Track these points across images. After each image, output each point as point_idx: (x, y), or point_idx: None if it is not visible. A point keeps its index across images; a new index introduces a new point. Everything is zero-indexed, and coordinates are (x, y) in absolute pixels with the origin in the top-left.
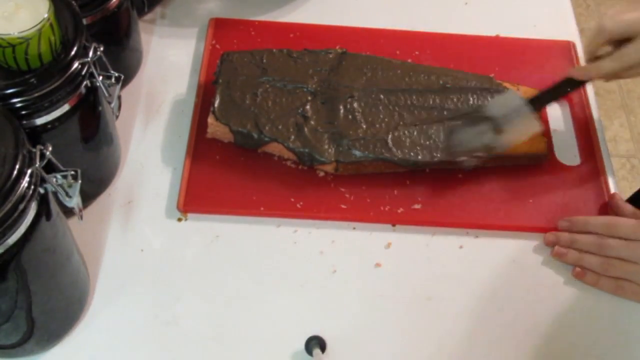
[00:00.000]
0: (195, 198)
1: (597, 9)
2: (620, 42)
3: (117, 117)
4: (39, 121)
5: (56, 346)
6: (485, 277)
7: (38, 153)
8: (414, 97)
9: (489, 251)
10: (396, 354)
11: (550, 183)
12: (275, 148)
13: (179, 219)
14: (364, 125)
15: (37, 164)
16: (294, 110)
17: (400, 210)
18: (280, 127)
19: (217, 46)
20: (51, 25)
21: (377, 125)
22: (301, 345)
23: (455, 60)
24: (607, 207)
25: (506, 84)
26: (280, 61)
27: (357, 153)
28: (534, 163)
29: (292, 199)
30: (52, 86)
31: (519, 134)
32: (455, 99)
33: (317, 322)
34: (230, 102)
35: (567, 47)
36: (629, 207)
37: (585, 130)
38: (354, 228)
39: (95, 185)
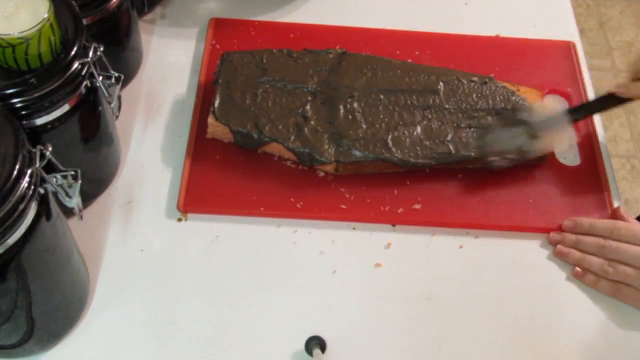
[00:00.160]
0: (195, 198)
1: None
2: None
3: (117, 117)
4: (39, 121)
5: (56, 346)
6: (485, 277)
7: (38, 153)
8: (414, 97)
9: (489, 251)
10: (396, 353)
11: (550, 183)
12: (275, 148)
13: (179, 219)
14: (364, 125)
15: (37, 164)
16: (294, 110)
17: (400, 210)
18: (280, 127)
19: (217, 46)
20: (51, 25)
21: (377, 125)
22: (301, 345)
23: (455, 60)
24: (607, 208)
25: (506, 84)
26: (280, 61)
27: (357, 153)
28: (534, 163)
29: (292, 199)
30: (52, 86)
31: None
32: (455, 99)
33: (317, 322)
34: (230, 102)
35: (567, 47)
36: (634, 219)
37: (585, 130)
38: (354, 228)
39: (95, 185)
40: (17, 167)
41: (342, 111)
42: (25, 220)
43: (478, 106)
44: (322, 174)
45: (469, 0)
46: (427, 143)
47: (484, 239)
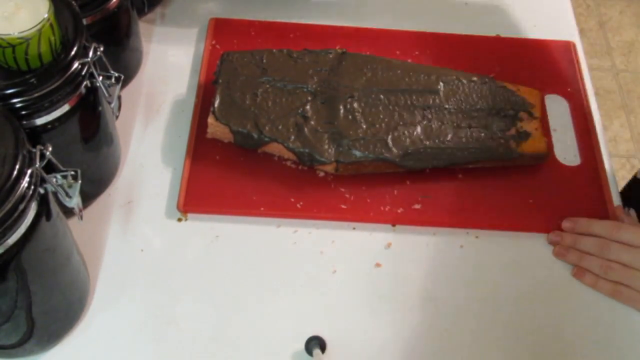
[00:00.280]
0: (195, 198)
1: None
2: None
3: (117, 117)
4: (39, 121)
5: (56, 346)
6: (485, 277)
7: (38, 153)
8: (414, 97)
9: (489, 251)
10: (396, 354)
11: (550, 183)
12: (275, 148)
13: (179, 219)
14: (364, 125)
15: (37, 164)
16: (294, 111)
17: (400, 210)
18: (280, 127)
19: (217, 46)
20: (51, 25)
21: (377, 125)
22: (301, 345)
23: (455, 60)
24: (607, 208)
25: (506, 84)
26: (280, 61)
27: (357, 153)
28: (534, 163)
29: (292, 199)
30: (52, 86)
31: None
32: (455, 99)
33: (317, 322)
34: (230, 102)
35: (567, 47)
36: (632, 220)
37: (585, 130)
38: (354, 228)
39: (95, 185)
40: (17, 167)
41: (342, 111)
42: (25, 220)
43: (478, 106)
44: (322, 174)
45: (469, 0)
46: (427, 143)
47: (484, 239)
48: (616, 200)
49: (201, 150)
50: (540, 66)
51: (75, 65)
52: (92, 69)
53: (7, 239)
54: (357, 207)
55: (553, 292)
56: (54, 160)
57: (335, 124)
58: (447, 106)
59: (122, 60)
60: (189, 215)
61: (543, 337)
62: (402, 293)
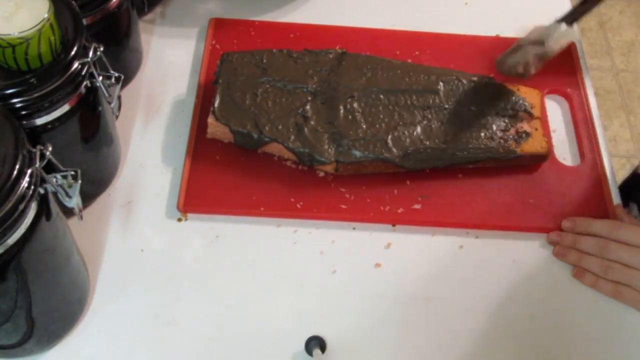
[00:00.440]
0: (195, 198)
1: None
2: None
3: (117, 117)
4: (39, 121)
5: (56, 346)
6: (485, 277)
7: (38, 153)
8: (414, 97)
9: (489, 251)
10: (396, 354)
11: (550, 183)
12: (275, 148)
13: (179, 219)
14: (364, 125)
15: (37, 164)
16: (294, 111)
17: (400, 210)
18: (280, 127)
19: (217, 46)
20: (51, 25)
21: (377, 125)
22: (301, 345)
23: (455, 60)
24: (607, 208)
25: (506, 84)
26: (280, 61)
27: (357, 153)
28: (534, 163)
29: (292, 199)
30: (52, 86)
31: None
32: (455, 99)
33: (317, 322)
34: (230, 102)
35: (567, 47)
36: (633, 218)
37: (585, 130)
38: (354, 228)
39: (95, 185)
40: (17, 167)
41: (342, 111)
42: (25, 220)
43: (478, 106)
44: (322, 174)
45: (469, 0)
46: (427, 143)
47: (484, 239)
48: (616, 200)
49: (201, 150)
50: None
51: (75, 65)
52: (92, 69)
53: (7, 239)
54: (357, 207)
55: (553, 292)
56: (54, 160)
57: (335, 124)
58: (447, 106)
59: (122, 60)
60: (189, 215)
61: (543, 337)
62: (402, 293)
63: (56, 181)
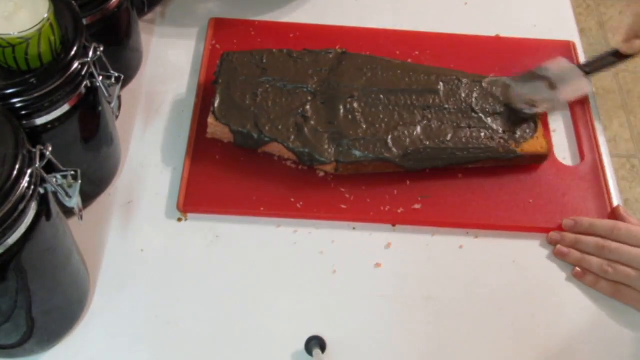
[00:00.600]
0: (195, 198)
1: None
2: None
3: (117, 117)
4: (39, 121)
5: (56, 346)
6: (485, 277)
7: (38, 153)
8: (414, 97)
9: (489, 251)
10: (396, 354)
11: (550, 183)
12: (275, 148)
13: (179, 219)
14: (364, 125)
15: (37, 164)
16: (294, 110)
17: (400, 210)
18: (280, 127)
19: (217, 46)
20: (51, 25)
21: (377, 125)
22: (301, 345)
23: (455, 60)
24: (607, 208)
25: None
26: (280, 61)
27: (357, 153)
28: (534, 163)
29: (292, 199)
30: (52, 86)
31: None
32: (455, 99)
33: (317, 322)
34: (230, 102)
35: (567, 47)
36: (634, 218)
37: (585, 130)
38: (354, 228)
39: (95, 185)
40: (17, 167)
41: (342, 111)
42: (25, 220)
43: (478, 106)
44: (322, 174)
45: (469, 0)
46: (427, 143)
47: (484, 239)
48: (616, 200)
49: (201, 150)
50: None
51: (75, 65)
52: (92, 69)
53: (7, 239)
54: (357, 207)
55: (553, 292)
56: (54, 160)
57: (335, 124)
58: (447, 106)
59: (122, 60)
60: (189, 215)
61: (543, 337)
62: (402, 293)
63: (56, 181)
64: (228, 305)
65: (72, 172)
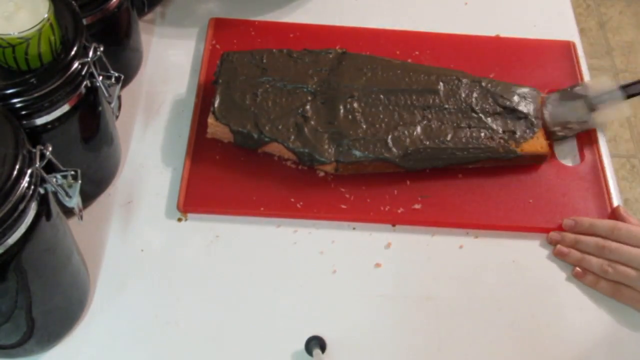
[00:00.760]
0: (195, 198)
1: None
2: None
3: (117, 117)
4: (39, 121)
5: (56, 346)
6: (485, 277)
7: (38, 153)
8: (414, 97)
9: (489, 251)
10: (396, 354)
11: (550, 183)
12: (275, 148)
13: (179, 219)
14: (364, 125)
15: (37, 164)
16: (294, 110)
17: (400, 210)
18: (280, 127)
19: (217, 46)
20: (51, 25)
21: (377, 125)
22: (301, 345)
23: (455, 60)
24: (607, 208)
25: (506, 84)
26: (280, 61)
27: (357, 153)
28: (534, 163)
29: (292, 199)
30: (52, 86)
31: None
32: (455, 99)
33: (317, 322)
34: (230, 102)
35: (567, 47)
36: (634, 218)
37: (586, 130)
38: (354, 228)
39: (95, 185)
40: (17, 167)
41: (342, 111)
42: (25, 220)
43: (478, 106)
44: (322, 174)
45: (469, 0)
46: (427, 143)
47: (484, 239)
48: (616, 200)
49: (201, 150)
50: (540, 66)
51: (75, 65)
52: (92, 69)
53: (7, 239)
54: (357, 207)
55: (553, 292)
56: (54, 160)
57: (335, 124)
58: (447, 106)
59: (122, 60)
60: (189, 215)
61: (543, 337)
62: (402, 293)
63: (56, 181)
64: (228, 305)
65: (72, 172)
